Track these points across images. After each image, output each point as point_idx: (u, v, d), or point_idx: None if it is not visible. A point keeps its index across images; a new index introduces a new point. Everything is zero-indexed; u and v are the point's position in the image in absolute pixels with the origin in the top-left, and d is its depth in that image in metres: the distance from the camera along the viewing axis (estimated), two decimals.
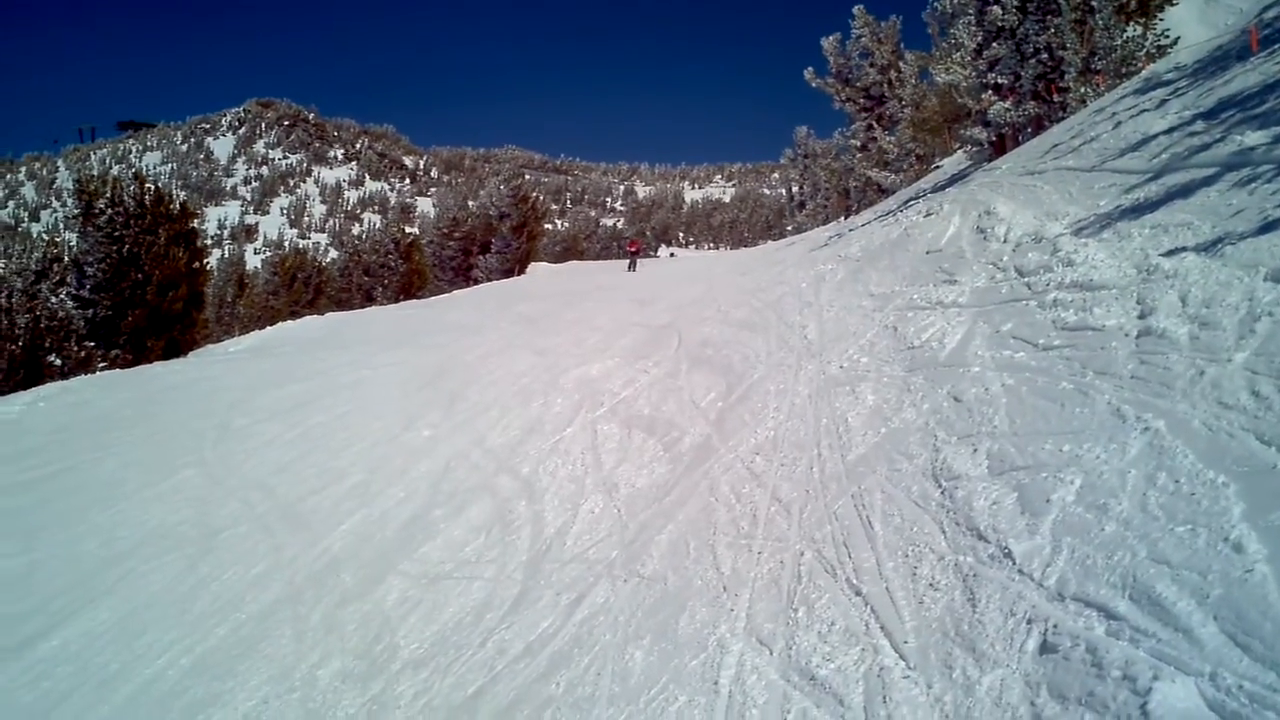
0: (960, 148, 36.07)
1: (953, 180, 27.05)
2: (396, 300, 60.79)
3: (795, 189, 78.37)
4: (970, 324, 9.96)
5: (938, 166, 43.65)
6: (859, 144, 47.38)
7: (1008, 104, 28.79)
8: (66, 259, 36.93)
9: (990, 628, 4.89)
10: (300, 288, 69.27)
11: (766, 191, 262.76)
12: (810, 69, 46.75)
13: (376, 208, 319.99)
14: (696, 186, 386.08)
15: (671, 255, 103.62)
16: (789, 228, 78.66)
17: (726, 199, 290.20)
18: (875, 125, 46.26)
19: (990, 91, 29.48)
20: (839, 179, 57.45)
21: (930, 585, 5.62)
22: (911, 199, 27.67)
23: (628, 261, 52.28)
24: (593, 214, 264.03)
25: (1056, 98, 27.53)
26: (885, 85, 45.95)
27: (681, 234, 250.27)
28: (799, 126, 76.38)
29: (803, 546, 7.01)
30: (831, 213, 63.28)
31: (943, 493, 6.68)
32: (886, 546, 6.37)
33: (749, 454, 9.53)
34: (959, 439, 7.41)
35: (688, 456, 10.36)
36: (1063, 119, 24.89)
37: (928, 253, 14.11)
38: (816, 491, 7.89)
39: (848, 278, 15.85)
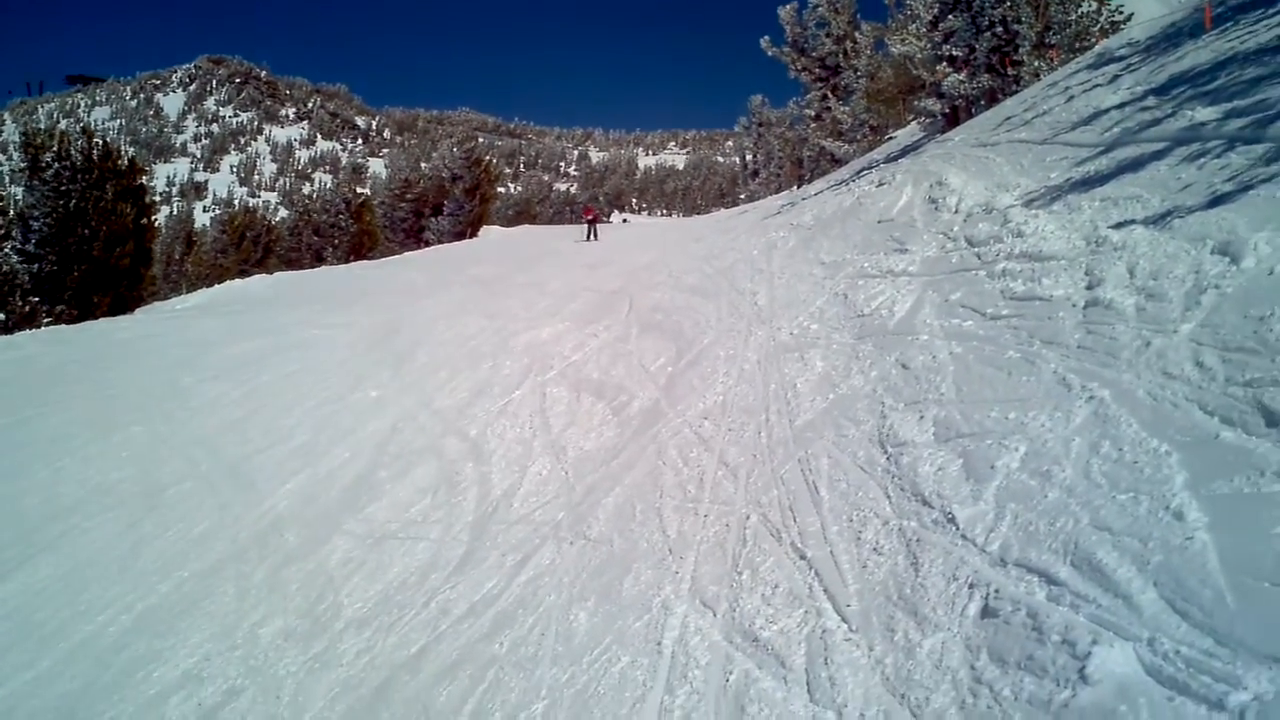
0: (914, 119, 36.18)
1: (906, 151, 27.12)
2: (347, 261, 60.39)
3: (749, 157, 78.33)
4: (920, 293, 9.99)
5: (891, 137, 43.78)
6: (813, 114, 47.44)
7: (962, 76, 28.86)
8: (12, 213, 36.34)
9: (932, 592, 4.92)
10: (249, 246, 68.62)
11: (720, 159, 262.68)
12: (766, 38, 46.75)
13: (328, 167, 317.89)
14: (650, 153, 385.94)
15: (624, 221, 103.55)
16: (742, 196, 78.89)
17: (680, 166, 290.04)
18: (830, 95, 46.34)
19: (945, 63, 29.53)
20: (793, 148, 57.59)
21: (874, 550, 5.65)
22: (864, 169, 27.71)
23: (585, 230, 47.19)
24: (546, 178, 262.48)
25: (1010, 71, 27.63)
26: (841, 55, 46.00)
27: (635, 200, 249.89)
28: (754, 95, 76.41)
29: (749, 510, 7.03)
30: (785, 181, 63.38)
31: (889, 458, 6.71)
32: (832, 511, 6.40)
33: (697, 418, 9.54)
34: (906, 406, 7.44)
35: (636, 420, 10.36)
36: (1016, 92, 24.97)
37: (879, 222, 14.14)
38: (764, 456, 7.91)
39: (799, 246, 15.87)
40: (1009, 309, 8.20)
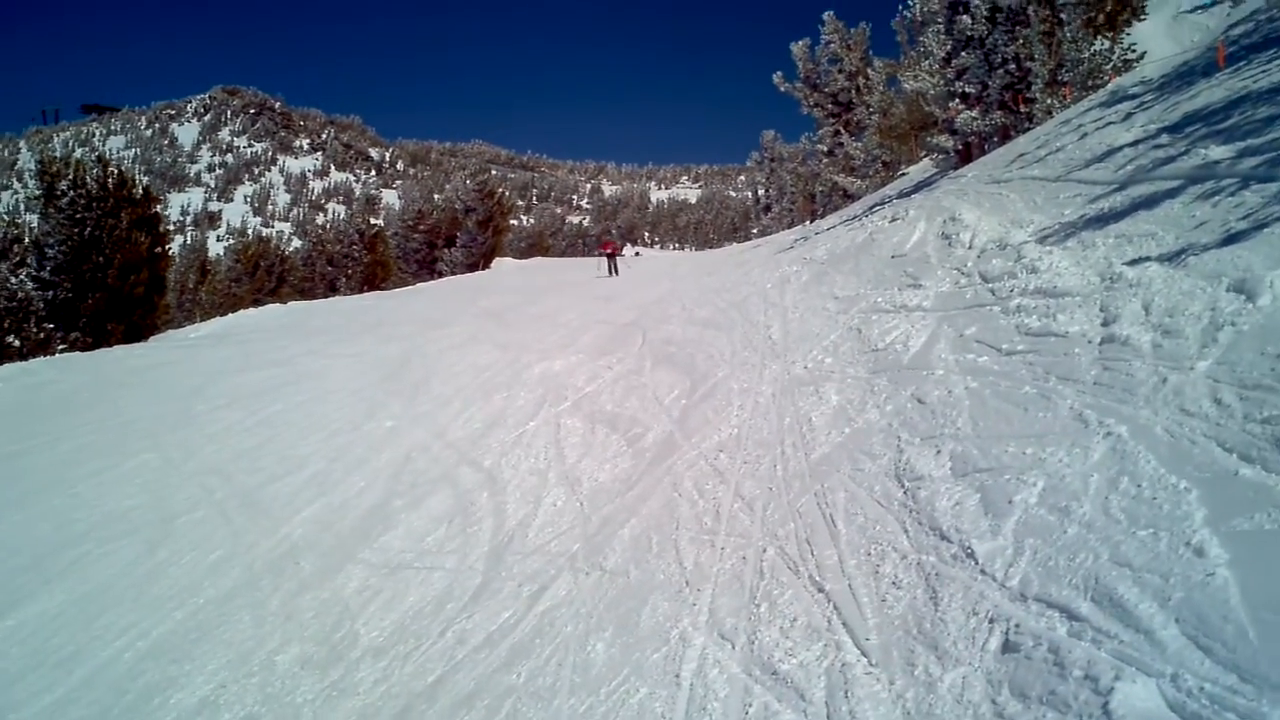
0: (926, 155, 36.32)
1: (919, 187, 27.21)
2: (360, 291, 60.63)
3: (761, 192, 78.50)
4: (934, 328, 10.02)
5: (904, 173, 43.90)
6: (826, 149, 47.68)
7: (975, 113, 28.96)
8: (27, 240, 36.57)
9: (952, 626, 4.92)
10: (263, 276, 68.92)
11: (732, 194, 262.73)
12: (779, 73, 47.02)
13: (341, 198, 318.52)
14: (663, 187, 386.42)
15: (637, 255, 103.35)
16: (754, 230, 78.88)
17: (692, 200, 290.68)
18: (842, 131, 46.55)
19: (957, 100, 29.65)
20: (805, 183, 57.82)
21: (893, 584, 5.64)
22: (877, 204, 27.81)
23: (604, 264, 42.24)
24: (559, 211, 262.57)
25: (1023, 108, 27.71)
26: (853, 91, 46.23)
27: (647, 234, 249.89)
28: (766, 130, 76.82)
29: (765, 543, 7.03)
30: (797, 217, 63.54)
31: (906, 493, 6.72)
32: (849, 545, 6.39)
33: (713, 451, 9.54)
34: (922, 440, 7.45)
35: (651, 452, 10.36)
36: (1029, 129, 25.07)
37: (893, 257, 14.18)
38: (780, 489, 7.91)
39: (813, 280, 15.90)
40: (1024, 345, 8.22)
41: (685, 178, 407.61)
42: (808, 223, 49.52)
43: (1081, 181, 12.76)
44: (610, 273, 40.93)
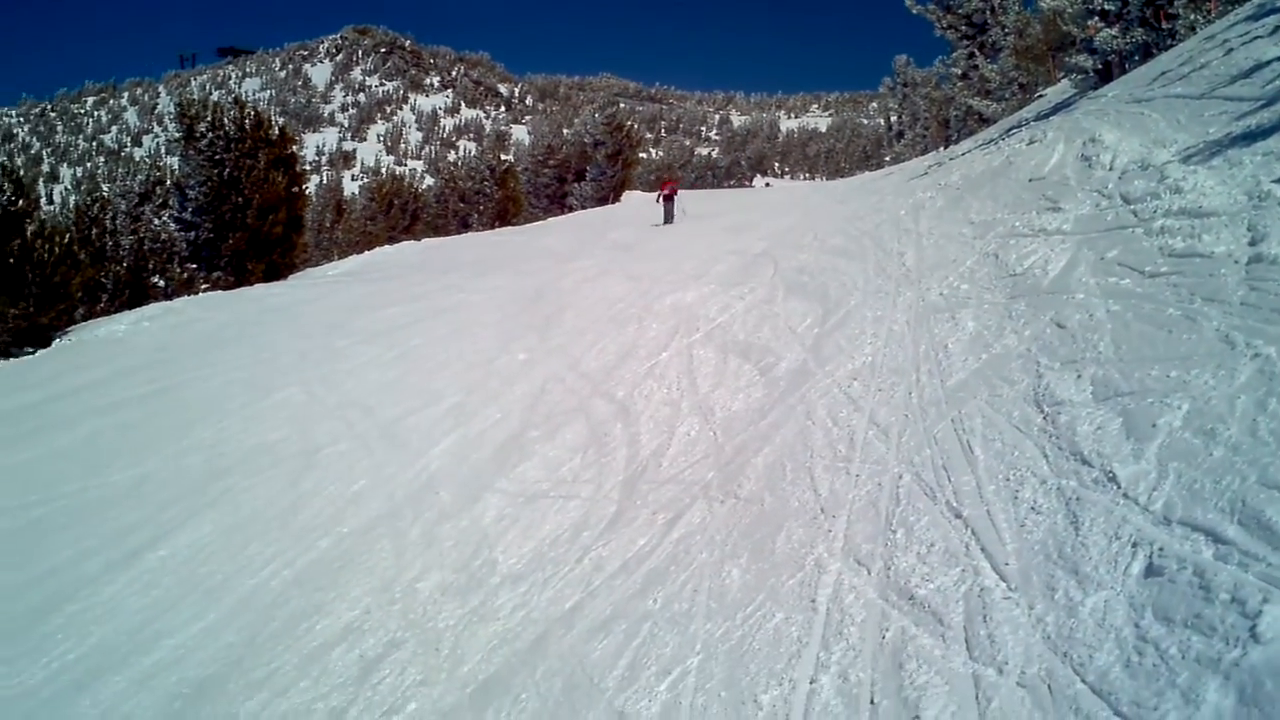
0: (1064, 76, 35.36)
1: (1056, 109, 26.54)
2: (492, 227, 61.09)
3: (894, 119, 77.46)
4: (1074, 251, 9.80)
5: (1041, 95, 42.82)
6: (960, 72, 46.63)
7: (1114, 30, 28.09)
8: (169, 182, 37.54)
9: (1094, 551, 4.85)
10: (397, 214, 69.79)
11: (864, 121, 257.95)
12: None
13: (472, 135, 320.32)
14: (792, 116, 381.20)
15: (767, 185, 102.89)
16: (887, 158, 77.87)
17: (823, 129, 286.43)
18: (977, 53, 45.46)
19: (1096, 17, 28.77)
20: (939, 108, 56.85)
21: (1032, 509, 5.57)
22: (1013, 128, 27.19)
23: (662, 210, 34.97)
24: (687, 143, 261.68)
25: (1165, 24, 26.82)
26: (988, 12, 45.07)
27: (777, 164, 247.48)
28: (898, 55, 75.50)
29: (901, 470, 6.98)
30: (930, 143, 62.57)
31: (1045, 418, 6.61)
32: (987, 470, 6.32)
33: (846, 379, 9.47)
34: (1062, 365, 7.31)
35: (784, 381, 10.32)
36: (1171, 46, 24.26)
37: (1030, 180, 13.88)
38: (915, 416, 7.84)
39: (947, 206, 15.65)
40: (1168, 266, 8.01)
41: (815, 106, 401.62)
42: (942, 148, 48.71)
43: (1227, 98, 12.34)
44: (665, 220, 34.27)
